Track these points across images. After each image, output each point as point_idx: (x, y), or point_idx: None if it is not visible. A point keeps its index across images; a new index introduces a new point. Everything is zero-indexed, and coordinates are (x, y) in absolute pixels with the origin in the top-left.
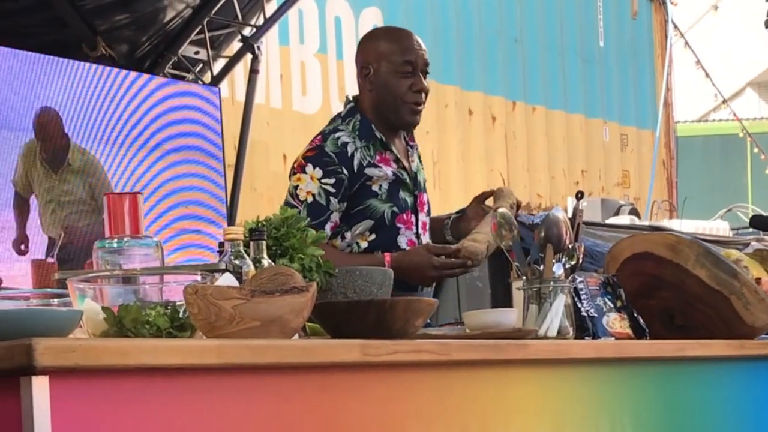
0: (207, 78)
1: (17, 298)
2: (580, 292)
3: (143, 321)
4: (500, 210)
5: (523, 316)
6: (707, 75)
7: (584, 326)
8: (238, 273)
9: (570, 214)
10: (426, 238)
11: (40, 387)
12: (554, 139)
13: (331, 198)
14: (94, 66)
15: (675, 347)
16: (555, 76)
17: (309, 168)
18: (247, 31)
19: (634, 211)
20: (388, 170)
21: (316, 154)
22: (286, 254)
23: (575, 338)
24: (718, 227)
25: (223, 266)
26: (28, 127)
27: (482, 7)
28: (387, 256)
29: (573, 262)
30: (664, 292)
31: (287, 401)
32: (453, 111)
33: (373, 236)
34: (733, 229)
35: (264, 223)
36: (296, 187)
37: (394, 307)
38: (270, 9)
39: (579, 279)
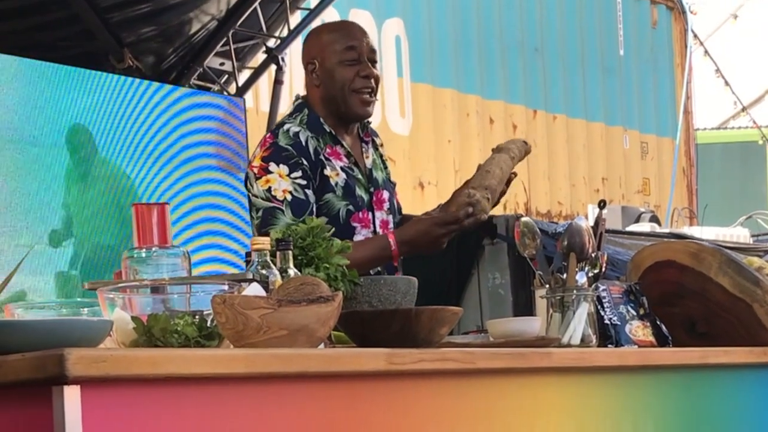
0: (232, 89)
1: (48, 308)
2: (603, 300)
3: (172, 330)
4: (523, 219)
5: (547, 324)
6: (727, 83)
7: (607, 334)
8: (265, 283)
9: (591, 222)
10: None
11: (72, 396)
12: (575, 147)
13: (307, 190)
14: (122, 78)
15: (698, 355)
16: (575, 85)
17: (273, 166)
18: (271, 43)
19: (654, 219)
20: (339, 164)
21: (273, 152)
22: (311, 264)
23: (598, 346)
24: (738, 234)
25: (250, 276)
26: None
27: (503, 18)
28: (390, 235)
29: (596, 271)
30: (687, 300)
31: (314, 409)
32: (474, 120)
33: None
34: (753, 236)
35: (290, 233)
36: (269, 190)
37: (419, 316)
38: (294, 21)
39: (602, 287)
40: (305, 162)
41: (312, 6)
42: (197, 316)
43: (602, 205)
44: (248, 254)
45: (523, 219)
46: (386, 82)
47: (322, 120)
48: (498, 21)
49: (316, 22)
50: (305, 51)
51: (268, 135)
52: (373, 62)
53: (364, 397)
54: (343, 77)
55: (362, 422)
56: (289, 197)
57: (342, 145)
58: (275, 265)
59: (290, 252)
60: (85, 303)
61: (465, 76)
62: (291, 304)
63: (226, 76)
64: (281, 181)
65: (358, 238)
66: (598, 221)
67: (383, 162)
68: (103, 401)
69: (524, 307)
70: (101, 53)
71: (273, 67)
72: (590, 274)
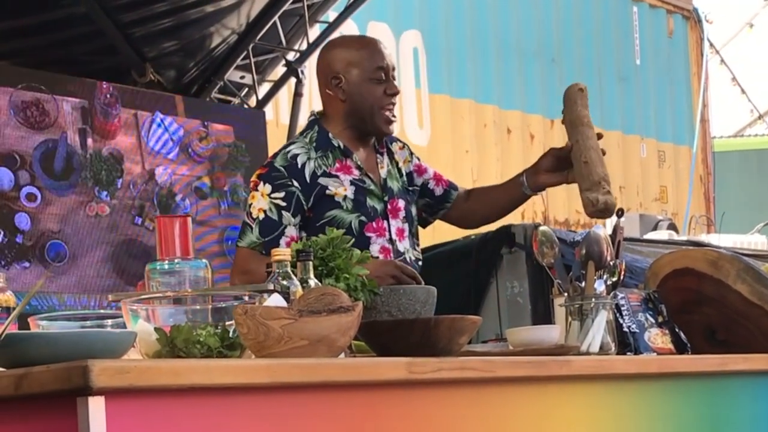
0: (252, 102)
1: (72, 319)
2: (622, 308)
3: (194, 341)
4: (541, 228)
5: (566, 332)
6: (743, 91)
7: (626, 342)
8: (285, 293)
9: (609, 231)
10: (404, 245)
11: (97, 407)
12: None
13: (283, 212)
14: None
15: (717, 362)
16: (592, 95)
17: (260, 185)
18: (291, 56)
19: (672, 226)
20: (347, 178)
21: (266, 171)
22: (332, 274)
23: (617, 354)
24: (755, 241)
25: (271, 287)
26: None
27: (520, 29)
28: None
29: (614, 279)
30: (706, 308)
31: (335, 418)
32: (492, 130)
33: None
34: None
35: (310, 243)
36: (250, 206)
37: (439, 326)
38: (313, 34)
39: (620, 295)
40: (296, 184)
41: (331, 19)
42: (219, 327)
43: (620, 213)
44: (269, 265)
45: (541, 228)
46: (404, 93)
47: (331, 136)
48: (515, 32)
49: (335, 35)
50: (326, 64)
51: (271, 154)
52: (394, 79)
53: (385, 406)
54: (373, 95)
55: (383, 431)
56: (261, 216)
57: (352, 159)
58: (296, 275)
59: (311, 263)
60: (108, 314)
61: (482, 86)
62: (312, 315)
63: (247, 89)
64: (261, 200)
65: (374, 247)
66: (616, 230)
67: (399, 170)
68: (127, 412)
69: (543, 315)
70: (123, 68)
71: (293, 80)
72: (609, 283)
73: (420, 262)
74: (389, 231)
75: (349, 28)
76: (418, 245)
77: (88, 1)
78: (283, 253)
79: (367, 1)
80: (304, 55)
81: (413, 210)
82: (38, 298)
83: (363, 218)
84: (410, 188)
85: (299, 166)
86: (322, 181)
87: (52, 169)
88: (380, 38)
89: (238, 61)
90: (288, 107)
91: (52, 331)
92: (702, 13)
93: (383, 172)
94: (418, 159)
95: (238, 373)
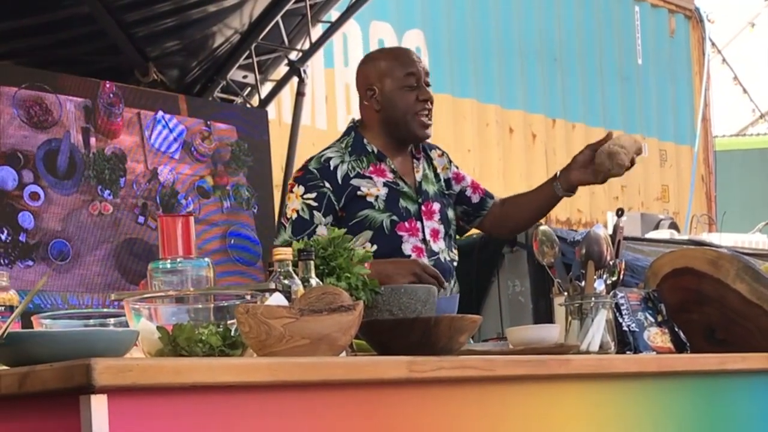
0: (255, 101)
1: (75, 318)
2: (622, 308)
3: (196, 340)
4: (542, 228)
5: (565, 331)
6: (745, 90)
7: (626, 341)
8: (287, 292)
9: (610, 230)
10: (439, 246)
11: (99, 405)
12: None
13: (315, 212)
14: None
15: (716, 361)
16: (594, 94)
17: (295, 188)
18: (293, 56)
19: (673, 226)
20: (381, 180)
21: (301, 174)
22: (333, 273)
23: (617, 353)
24: (757, 240)
25: (272, 286)
26: None
27: (522, 28)
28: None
29: (614, 278)
30: (705, 307)
31: (336, 416)
32: (494, 129)
33: (374, 246)
34: None
35: (312, 243)
36: (285, 206)
37: (439, 324)
38: (315, 34)
39: (620, 294)
40: (327, 185)
41: (333, 19)
42: (221, 326)
43: (620, 213)
44: (270, 264)
45: (542, 228)
46: None
47: (366, 141)
48: (517, 31)
49: (337, 35)
50: (362, 77)
51: (308, 158)
52: (428, 84)
53: (385, 405)
54: (405, 102)
55: (383, 429)
56: (294, 216)
57: (386, 163)
58: (297, 274)
59: (312, 262)
60: (111, 313)
61: (485, 86)
62: (313, 314)
63: (249, 88)
64: (294, 201)
65: (406, 246)
66: (616, 229)
67: (436, 175)
68: (129, 410)
69: (544, 314)
70: (126, 67)
71: (295, 80)
72: (608, 282)
73: (455, 263)
74: (423, 231)
75: (351, 27)
76: (455, 248)
77: (91, 0)
78: (284, 252)
79: (369, 0)
80: (306, 55)
81: (450, 213)
82: (41, 297)
83: (395, 217)
84: (446, 192)
85: (331, 168)
86: (354, 182)
87: (56, 168)
88: (382, 38)
89: (241, 61)
90: (290, 106)
91: (55, 329)
92: (704, 12)
93: (418, 176)
94: (457, 167)
95: (240, 372)
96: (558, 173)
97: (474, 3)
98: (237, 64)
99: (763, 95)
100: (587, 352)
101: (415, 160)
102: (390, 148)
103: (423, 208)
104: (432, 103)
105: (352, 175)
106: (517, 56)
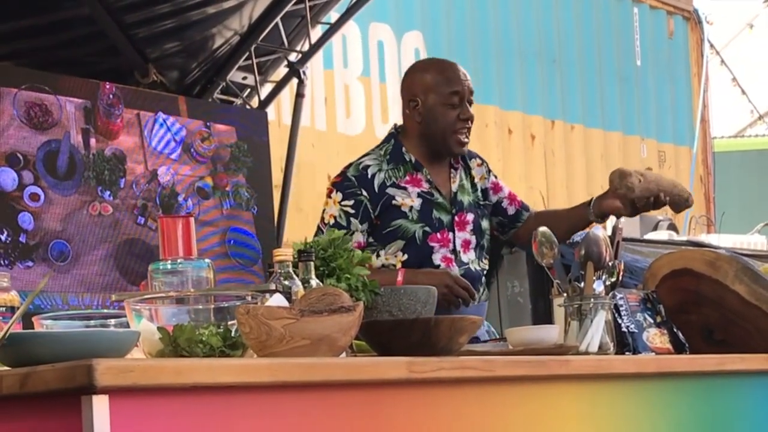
0: (254, 102)
1: (76, 318)
2: (621, 308)
3: (197, 340)
4: (541, 229)
5: (565, 332)
6: (743, 92)
7: (625, 342)
8: (287, 293)
9: (609, 231)
10: (469, 256)
11: (101, 405)
12: (592, 156)
13: (352, 218)
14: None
15: (715, 362)
16: (593, 95)
17: (333, 193)
18: (293, 57)
19: (672, 227)
20: (416, 190)
21: (340, 181)
22: (333, 274)
23: (616, 354)
24: (755, 241)
25: (273, 287)
26: None
27: (521, 29)
28: (401, 273)
29: (613, 279)
30: (704, 308)
31: (336, 417)
32: (493, 130)
33: (405, 256)
34: None
35: (312, 244)
36: (323, 211)
37: (439, 325)
38: (315, 35)
39: (619, 295)
40: (364, 193)
41: (332, 21)
42: (222, 327)
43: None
44: (271, 265)
45: (541, 228)
46: None
47: (404, 150)
48: (516, 33)
49: (336, 36)
50: (407, 86)
51: (347, 164)
52: (471, 103)
53: (385, 405)
54: (446, 119)
55: (383, 430)
56: (332, 221)
57: (423, 173)
58: (297, 275)
59: (312, 263)
60: (111, 314)
61: (483, 87)
62: (313, 314)
63: (249, 89)
64: (332, 207)
65: (436, 256)
66: (615, 230)
67: (473, 185)
68: (130, 410)
69: (543, 315)
70: (126, 68)
71: (294, 81)
72: (607, 283)
73: (485, 271)
74: (453, 242)
75: (350, 29)
76: (486, 257)
77: (92, 2)
78: (284, 253)
79: (369, 2)
80: (306, 56)
81: (484, 223)
82: (41, 298)
83: (427, 228)
84: (482, 203)
85: (369, 176)
86: (390, 191)
87: (56, 169)
88: (382, 39)
89: (241, 62)
90: (290, 108)
91: (56, 330)
92: (702, 14)
93: (454, 186)
94: (495, 177)
95: (240, 372)
96: (593, 198)
97: (473, 4)
98: (236, 66)
99: (762, 96)
100: (586, 353)
101: (452, 170)
102: (427, 158)
103: (456, 218)
104: (472, 122)
105: (388, 184)
106: (516, 57)
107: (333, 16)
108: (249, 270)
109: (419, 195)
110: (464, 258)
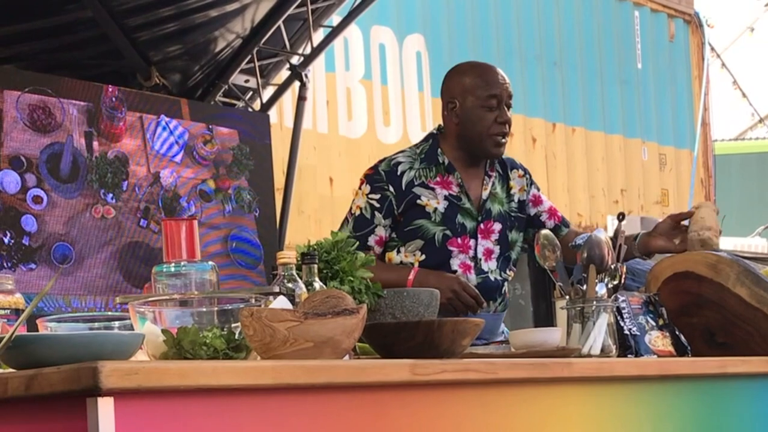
0: (257, 105)
1: (81, 320)
2: (623, 311)
3: (201, 343)
4: (543, 231)
5: (567, 334)
6: (744, 95)
7: (627, 344)
8: (291, 296)
9: (611, 233)
10: (489, 266)
11: (106, 407)
12: (594, 159)
13: (376, 212)
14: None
15: (717, 364)
16: (594, 98)
17: (363, 185)
18: (295, 60)
19: None
20: (444, 192)
21: (371, 174)
22: (336, 277)
23: (618, 356)
24: (756, 244)
25: (277, 289)
26: None
27: (522, 32)
28: (414, 272)
29: (615, 282)
30: (706, 311)
31: (340, 419)
32: None
33: (423, 256)
34: None
35: (315, 246)
36: (352, 201)
37: (442, 328)
38: (317, 38)
39: (621, 298)
40: (391, 189)
41: (334, 24)
42: (225, 329)
43: (621, 217)
44: (274, 268)
45: (543, 231)
46: (407, 97)
47: (439, 152)
48: (517, 35)
49: (338, 39)
50: (446, 88)
51: (381, 158)
52: (509, 107)
53: (389, 407)
54: (483, 123)
55: (387, 431)
56: (357, 212)
57: (454, 176)
58: (301, 278)
59: (315, 266)
60: (115, 316)
61: None
62: (317, 317)
63: (251, 92)
64: (360, 198)
65: (454, 261)
66: (618, 233)
67: (509, 195)
68: (135, 412)
69: (545, 317)
70: (129, 71)
71: (296, 84)
72: (610, 286)
73: (506, 283)
74: (475, 249)
75: (352, 32)
76: (512, 269)
77: (95, 5)
78: (287, 256)
79: (370, 5)
80: (308, 59)
81: (512, 235)
82: (44, 300)
83: (448, 232)
84: (515, 214)
85: (398, 173)
86: (416, 190)
87: (58, 172)
88: (383, 42)
89: (243, 65)
90: (292, 110)
91: (61, 332)
92: (703, 17)
93: (485, 194)
94: (538, 189)
95: (244, 375)
96: (638, 235)
97: (474, 8)
98: (239, 69)
99: (762, 99)
100: (588, 356)
101: (486, 177)
102: (462, 161)
103: (481, 226)
104: (510, 126)
105: (416, 183)
106: (517, 60)
107: (335, 19)
108: (251, 272)
109: (446, 198)
110: (484, 267)
